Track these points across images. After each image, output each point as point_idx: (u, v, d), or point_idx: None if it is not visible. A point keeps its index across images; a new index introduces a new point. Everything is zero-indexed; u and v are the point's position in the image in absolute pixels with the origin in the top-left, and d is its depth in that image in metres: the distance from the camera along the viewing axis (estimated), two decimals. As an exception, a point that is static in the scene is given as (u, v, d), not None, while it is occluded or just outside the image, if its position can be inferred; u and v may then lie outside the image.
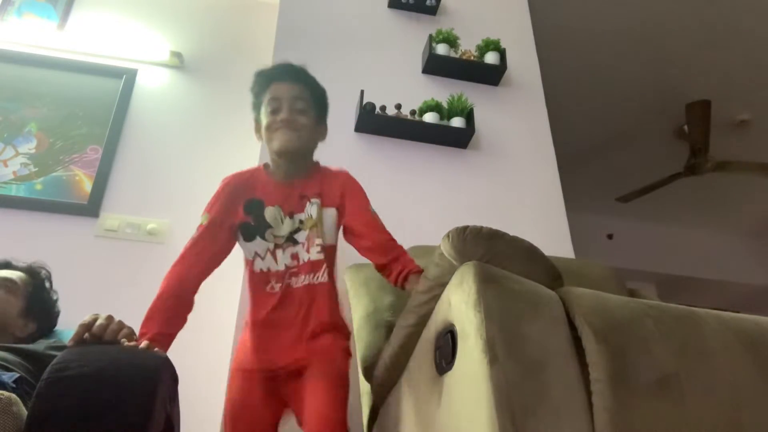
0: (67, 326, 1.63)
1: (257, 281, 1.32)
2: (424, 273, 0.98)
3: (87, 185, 2.21)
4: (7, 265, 1.54)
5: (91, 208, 2.16)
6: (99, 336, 1.04)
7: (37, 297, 1.51)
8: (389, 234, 1.33)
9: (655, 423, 0.68)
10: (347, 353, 1.30)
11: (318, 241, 1.30)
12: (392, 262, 1.28)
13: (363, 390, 1.42)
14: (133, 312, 1.93)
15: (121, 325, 1.09)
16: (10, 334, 1.40)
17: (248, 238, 1.31)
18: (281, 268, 1.30)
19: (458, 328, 0.80)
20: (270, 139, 1.33)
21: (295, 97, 1.33)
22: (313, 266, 1.30)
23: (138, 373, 0.91)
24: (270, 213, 1.32)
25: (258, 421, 1.25)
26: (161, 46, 2.57)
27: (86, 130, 2.33)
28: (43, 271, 1.58)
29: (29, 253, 1.61)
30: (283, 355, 1.25)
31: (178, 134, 2.41)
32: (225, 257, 1.33)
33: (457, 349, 0.80)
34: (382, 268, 1.31)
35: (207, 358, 1.74)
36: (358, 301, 1.55)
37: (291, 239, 1.31)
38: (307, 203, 1.32)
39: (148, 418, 0.86)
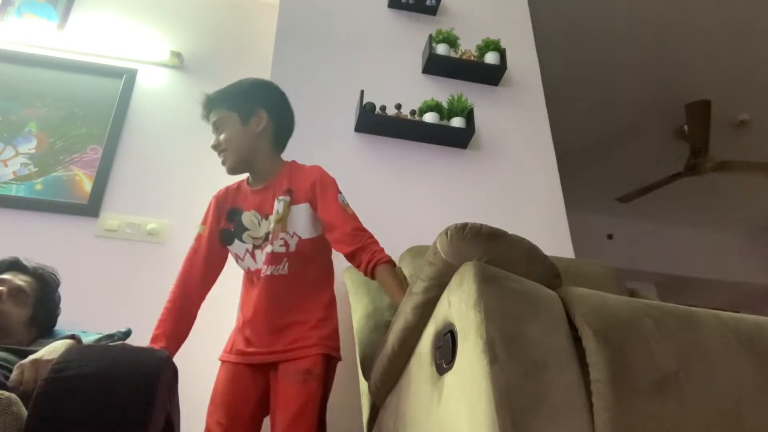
0: (67, 326, 1.63)
1: (245, 279, 1.46)
2: (417, 272, 0.98)
3: (87, 185, 2.21)
4: (16, 264, 1.52)
5: (91, 208, 2.16)
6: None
7: (43, 305, 1.50)
8: (359, 223, 1.34)
9: (655, 423, 0.68)
10: (320, 348, 1.30)
11: (282, 235, 1.36)
12: (359, 251, 1.29)
13: (363, 390, 1.42)
14: (133, 311, 1.94)
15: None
16: (13, 339, 1.40)
17: (228, 242, 1.44)
18: (260, 266, 1.38)
19: (458, 328, 0.80)
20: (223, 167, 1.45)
21: (213, 124, 1.45)
22: (273, 259, 1.35)
23: (138, 373, 0.91)
24: (247, 218, 1.43)
25: (242, 409, 1.30)
26: (161, 46, 2.57)
27: (86, 130, 2.33)
28: (53, 279, 1.57)
29: (29, 253, 1.61)
30: (261, 344, 1.32)
31: (178, 134, 2.41)
32: (223, 264, 1.48)
33: (457, 349, 0.80)
34: (350, 258, 1.32)
35: (207, 358, 1.74)
36: (358, 301, 1.55)
37: (268, 238, 1.38)
38: (275, 201, 1.39)
39: (148, 417, 0.86)
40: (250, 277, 1.42)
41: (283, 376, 1.26)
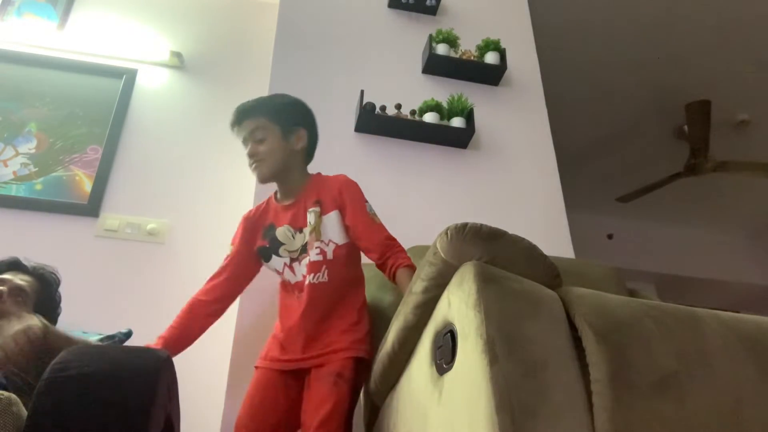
0: (67, 326, 1.63)
1: (284, 292, 1.48)
2: (417, 272, 0.98)
3: (87, 185, 2.21)
4: (16, 265, 1.51)
5: (91, 208, 2.16)
6: None
7: (44, 306, 1.50)
8: (387, 232, 1.41)
9: (655, 423, 0.68)
10: (350, 352, 1.33)
11: (316, 244, 1.39)
12: (388, 258, 1.37)
13: (363, 390, 1.42)
14: (133, 312, 1.94)
15: None
16: None
17: (266, 258, 1.48)
18: (300, 278, 1.41)
19: (458, 328, 0.80)
20: (253, 174, 1.47)
21: (251, 131, 1.44)
22: (312, 267, 1.39)
23: (138, 373, 0.91)
24: (281, 232, 1.45)
25: (270, 413, 1.33)
26: (161, 46, 2.57)
27: (86, 130, 2.33)
28: (54, 278, 1.56)
29: (29, 253, 1.60)
30: (296, 351, 1.36)
31: (178, 134, 2.41)
32: (249, 281, 1.53)
33: (457, 349, 0.80)
34: (381, 266, 1.40)
35: (207, 358, 1.74)
36: (359, 301, 1.55)
37: (305, 250, 1.42)
38: (307, 213, 1.42)
39: (147, 418, 0.86)
40: (289, 288, 1.45)
41: (315, 380, 1.30)
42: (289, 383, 1.35)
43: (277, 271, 1.46)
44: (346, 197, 1.43)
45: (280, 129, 1.45)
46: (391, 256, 1.36)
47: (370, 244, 1.39)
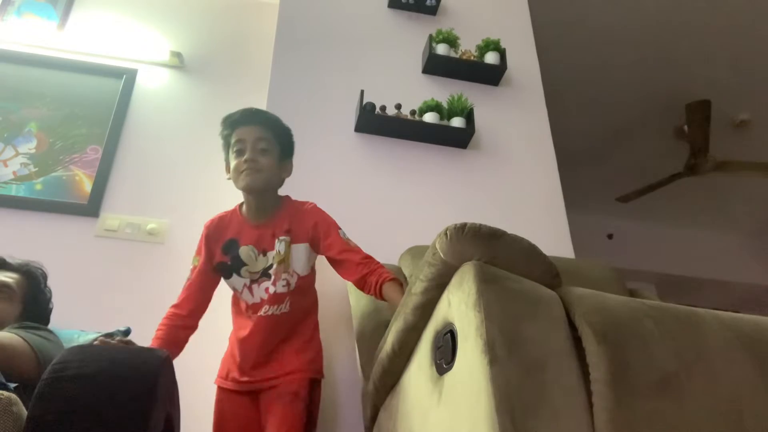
0: (67, 326, 1.63)
1: (237, 308, 1.49)
2: (417, 272, 0.98)
3: (87, 185, 2.21)
4: (1, 263, 1.51)
5: (91, 208, 2.16)
6: None
7: (32, 301, 1.50)
8: (363, 252, 1.43)
9: (655, 423, 0.68)
10: (306, 373, 1.40)
11: (284, 275, 1.41)
12: (367, 276, 1.37)
13: (363, 390, 1.42)
14: (132, 312, 1.94)
15: None
16: None
17: (226, 275, 1.46)
18: (257, 300, 1.43)
19: (458, 328, 0.80)
20: (236, 179, 1.42)
21: (257, 138, 1.42)
22: (275, 299, 1.41)
23: (138, 373, 0.91)
24: (244, 252, 1.44)
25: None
26: (161, 46, 2.57)
27: (86, 130, 2.33)
28: (40, 272, 1.56)
29: (29, 253, 1.60)
30: (254, 373, 1.40)
31: (178, 134, 2.41)
32: (213, 291, 1.50)
33: (457, 349, 0.80)
34: (359, 284, 1.41)
35: (207, 359, 1.74)
36: (358, 301, 1.55)
37: (265, 274, 1.43)
38: (276, 241, 1.42)
39: (147, 418, 0.86)
40: (245, 308, 1.46)
41: (274, 399, 1.36)
42: (254, 402, 1.41)
43: (235, 290, 1.46)
44: (321, 229, 1.44)
45: (279, 152, 1.46)
46: (371, 273, 1.37)
47: (349, 266, 1.40)
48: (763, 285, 5.13)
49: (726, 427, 0.71)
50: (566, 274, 0.92)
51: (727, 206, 4.93)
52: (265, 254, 1.42)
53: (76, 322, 1.70)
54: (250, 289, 1.43)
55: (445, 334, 0.84)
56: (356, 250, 1.43)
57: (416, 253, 1.61)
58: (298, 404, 1.34)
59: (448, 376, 0.82)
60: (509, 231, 0.87)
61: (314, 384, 1.42)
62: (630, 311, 0.77)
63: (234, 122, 1.44)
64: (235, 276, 1.44)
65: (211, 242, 1.46)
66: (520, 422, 0.66)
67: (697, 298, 5.22)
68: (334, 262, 1.45)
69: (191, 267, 1.48)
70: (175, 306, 1.44)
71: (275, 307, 1.40)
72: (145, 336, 1.37)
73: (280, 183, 1.49)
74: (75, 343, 1.44)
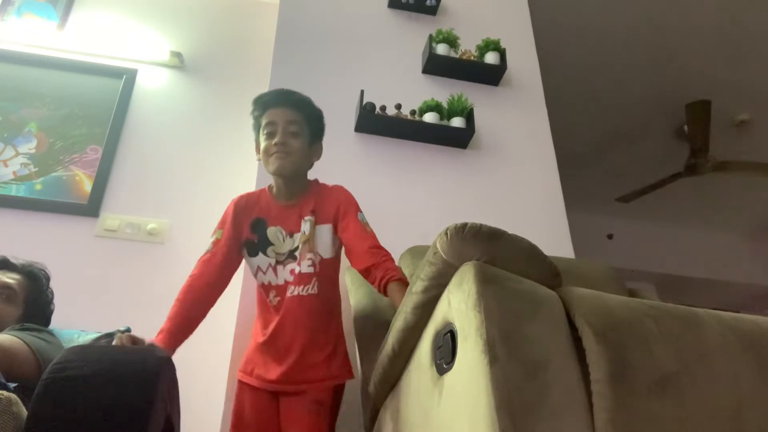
0: (67, 326, 1.63)
1: (261, 293, 1.44)
2: (417, 272, 0.98)
3: (87, 185, 2.21)
4: (4, 263, 1.52)
5: (91, 208, 2.16)
6: None
7: (34, 302, 1.50)
8: (376, 242, 1.40)
9: (655, 423, 0.68)
10: (333, 380, 1.37)
11: (309, 255, 1.39)
12: (373, 268, 1.34)
13: (363, 390, 1.42)
14: (132, 311, 1.94)
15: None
16: None
17: (252, 253, 1.43)
18: (281, 282, 1.40)
19: (458, 328, 0.80)
20: (266, 162, 1.43)
21: (288, 121, 1.42)
22: (302, 279, 1.38)
23: (138, 373, 0.91)
24: (272, 232, 1.43)
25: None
26: (161, 46, 2.57)
27: (86, 130, 2.33)
28: (43, 274, 1.56)
29: (29, 253, 1.60)
30: (278, 374, 1.35)
31: (178, 134, 2.41)
32: (235, 270, 1.46)
33: (457, 349, 0.80)
34: (365, 274, 1.38)
35: (207, 359, 1.74)
36: (358, 301, 1.55)
37: (291, 256, 1.41)
38: (302, 221, 1.41)
39: (147, 418, 0.86)
40: (267, 290, 1.42)
41: (298, 404, 1.33)
42: (269, 401, 1.37)
43: (260, 269, 1.42)
44: (342, 209, 1.43)
45: (310, 135, 1.46)
46: (379, 265, 1.33)
47: (358, 252, 1.37)
48: (763, 285, 5.13)
49: (726, 427, 0.71)
50: (566, 274, 0.91)
51: (727, 206, 4.93)
52: (292, 236, 1.41)
53: (76, 322, 1.70)
54: (275, 269, 1.41)
55: (445, 334, 0.84)
56: (370, 236, 1.39)
57: (416, 253, 1.61)
58: (324, 413, 1.32)
59: (448, 376, 0.82)
60: (509, 231, 0.87)
61: (339, 387, 1.40)
62: (630, 311, 0.77)
63: (265, 103, 1.44)
64: (261, 255, 1.42)
65: (240, 216, 1.44)
66: (520, 422, 0.66)
67: (697, 298, 5.23)
68: (347, 248, 1.42)
69: (212, 240, 1.43)
70: (193, 276, 1.38)
71: (302, 287, 1.37)
72: (144, 336, 1.37)
73: (310, 166, 1.49)
74: (75, 343, 1.44)
